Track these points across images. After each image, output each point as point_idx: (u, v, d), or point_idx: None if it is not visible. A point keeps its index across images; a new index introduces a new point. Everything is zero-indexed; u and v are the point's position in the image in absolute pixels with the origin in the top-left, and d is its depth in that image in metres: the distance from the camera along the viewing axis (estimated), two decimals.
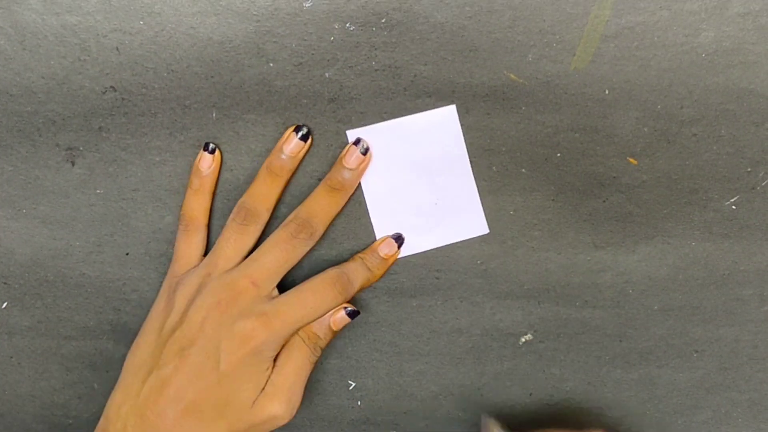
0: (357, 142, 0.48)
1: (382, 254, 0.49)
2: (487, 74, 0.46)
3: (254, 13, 0.46)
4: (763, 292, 0.51)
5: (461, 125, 0.47)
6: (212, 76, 0.47)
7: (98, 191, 0.49)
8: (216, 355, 0.44)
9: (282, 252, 0.47)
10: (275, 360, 0.47)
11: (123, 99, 0.47)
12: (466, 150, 0.48)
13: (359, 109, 0.47)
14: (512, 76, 0.46)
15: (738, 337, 0.51)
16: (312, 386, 0.52)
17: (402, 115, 0.47)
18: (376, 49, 0.46)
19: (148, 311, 0.49)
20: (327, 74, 0.47)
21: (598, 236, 0.49)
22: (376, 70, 0.46)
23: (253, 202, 0.48)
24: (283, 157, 0.47)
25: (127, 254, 0.50)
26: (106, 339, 0.51)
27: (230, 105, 0.47)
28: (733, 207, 0.49)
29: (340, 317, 0.48)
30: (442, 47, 0.46)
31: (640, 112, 0.47)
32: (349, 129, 0.48)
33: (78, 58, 0.46)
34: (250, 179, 0.49)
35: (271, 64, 0.46)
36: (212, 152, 0.48)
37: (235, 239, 0.47)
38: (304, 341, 0.47)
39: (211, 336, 0.45)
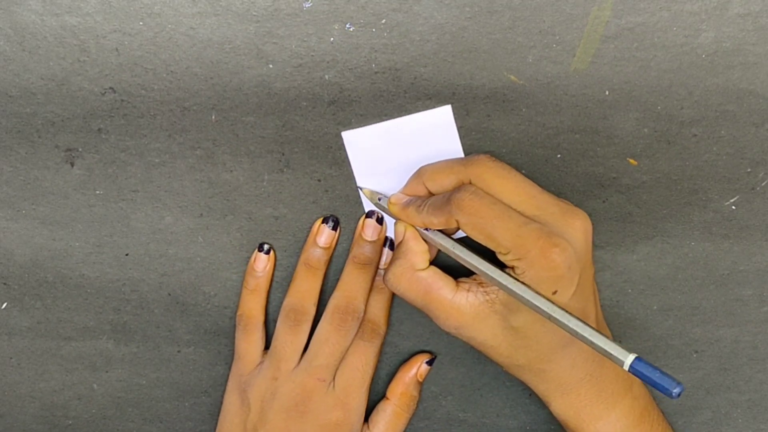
0: (370, 214, 0.48)
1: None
2: (488, 76, 0.46)
3: (254, 13, 0.46)
4: (763, 293, 0.51)
5: (462, 127, 0.47)
6: (212, 78, 0.46)
7: (98, 192, 0.49)
8: None
9: (336, 345, 0.48)
10: (370, 426, 0.51)
11: (122, 100, 0.47)
12: (462, 150, 0.48)
13: (359, 111, 0.47)
14: (512, 77, 0.46)
15: (738, 338, 0.51)
16: None
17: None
18: (376, 50, 0.46)
19: (220, 412, 0.52)
20: (327, 76, 0.46)
21: (597, 236, 0.50)
22: (376, 72, 0.46)
23: (299, 301, 0.49)
24: (319, 250, 0.49)
25: (126, 255, 0.50)
26: (106, 339, 0.51)
27: (230, 107, 0.47)
28: (733, 207, 0.49)
29: (423, 370, 0.51)
30: (442, 49, 0.46)
31: (640, 113, 0.47)
32: (344, 131, 0.48)
33: (77, 60, 0.46)
34: (250, 180, 0.49)
35: (271, 66, 0.46)
36: (267, 252, 0.49)
37: (291, 341, 0.49)
38: (401, 407, 0.50)
39: None
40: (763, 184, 0.49)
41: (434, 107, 0.47)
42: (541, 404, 0.48)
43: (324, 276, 0.50)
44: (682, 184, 0.49)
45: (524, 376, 0.46)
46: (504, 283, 0.42)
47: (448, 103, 0.47)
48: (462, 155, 0.48)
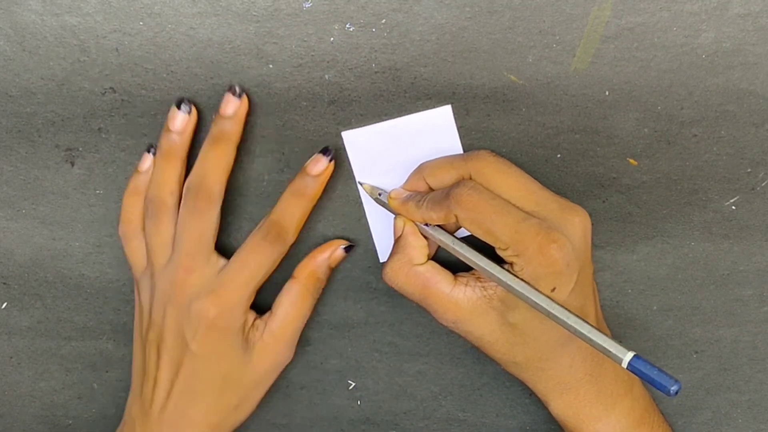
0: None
1: (313, 173, 0.47)
2: (488, 76, 0.46)
3: (254, 14, 0.46)
4: (763, 293, 0.51)
5: (461, 127, 0.47)
6: (212, 78, 0.47)
7: (98, 192, 0.49)
8: (184, 344, 0.46)
9: (194, 229, 0.46)
10: (273, 308, 0.48)
11: (122, 100, 0.47)
12: (461, 150, 0.48)
13: (359, 111, 0.47)
14: (512, 77, 0.46)
15: (738, 338, 0.51)
16: (312, 386, 0.52)
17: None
18: (376, 50, 0.46)
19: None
20: (327, 76, 0.46)
21: (597, 236, 0.50)
22: (376, 72, 0.46)
23: (156, 193, 0.47)
24: (173, 135, 0.47)
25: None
26: (106, 339, 0.51)
27: None
28: (733, 207, 0.49)
29: (338, 255, 0.49)
30: (442, 49, 0.46)
31: (640, 113, 0.47)
32: (344, 130, 0.48)
33: (77, 59, 0.46)
34: (250, 180, 0.49)
35: (271, 66, 0.46)
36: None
37: (154, 233, 0.47)
38: (307, 288, 0.48)
39: (174, 328, 0.46)
40: (763, 184, 0.49)
41: (434, 107, 0.47)
42: (541, 404, 0.48)
43: (185, 168, 0.47)
44: (682, 184, 0.49)
45: (522, 375, 0.46)
46: (502, 278, 0.42)
47: (448, 103, 0.47)
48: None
